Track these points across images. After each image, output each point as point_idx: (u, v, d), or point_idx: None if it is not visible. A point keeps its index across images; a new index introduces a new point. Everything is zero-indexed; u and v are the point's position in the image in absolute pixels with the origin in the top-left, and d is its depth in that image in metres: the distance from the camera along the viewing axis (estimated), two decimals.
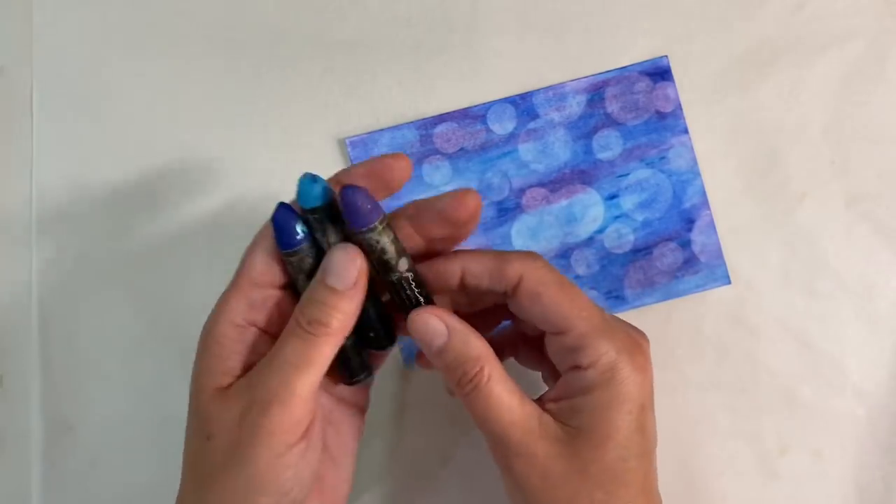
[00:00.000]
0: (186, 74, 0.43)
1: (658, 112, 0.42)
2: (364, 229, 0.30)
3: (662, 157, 0.42)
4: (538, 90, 0.42)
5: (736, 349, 0.41)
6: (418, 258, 0.32)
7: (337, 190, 0.30)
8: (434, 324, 0.31)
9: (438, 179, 0.42)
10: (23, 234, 0.42)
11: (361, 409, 0.35)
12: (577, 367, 0.31)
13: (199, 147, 0.42)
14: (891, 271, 0.41)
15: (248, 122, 0.43)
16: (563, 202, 0.42)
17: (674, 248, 0.42)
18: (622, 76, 0.42)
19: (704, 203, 0.42)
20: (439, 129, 0.42)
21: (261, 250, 0.31)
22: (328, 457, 0.33)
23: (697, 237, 0.42)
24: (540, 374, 0.37)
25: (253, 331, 0.31)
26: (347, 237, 0.31)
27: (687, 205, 0.42)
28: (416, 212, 0.31)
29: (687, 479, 0.40)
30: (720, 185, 0.42)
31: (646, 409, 0.31)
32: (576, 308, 0.31)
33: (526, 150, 0.42)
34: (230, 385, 0.30)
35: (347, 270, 0.30)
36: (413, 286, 0.31)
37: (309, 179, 0.30)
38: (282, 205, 0.31)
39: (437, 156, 0.42)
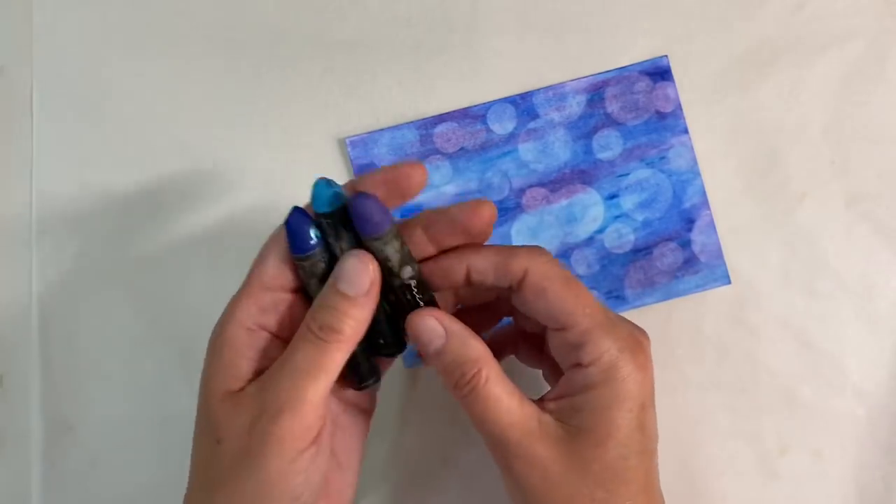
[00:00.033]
0: (186, 74, 0.43)
1: (658, 112, 0.42)
2: (372, 237, 0.30)
3: (662, 157, 0.42)
4: (538, 90, 0.42)
5: (736, 349, 0.41)
6: (427, 261, 0.32)
7: (350, 195, 0.30)
8: (432, 326, 0.31)
9: (438, 179, 0.42)
10: (23, 233, 0.42)
11: (367, 412, 0.34)
12: (579, 365, 0.31)
13: (198, 147, 0.42)
14: (891, 271, 0.41)
15: (248, 122, 0.43)
16: (563, 202, 0.42)
17: (674, 248, 0.42)
18: (622, 76, 0.42)
19: (704, 203, 0.42)
20: (439, 128, 0.42)
21: (273, 254, 0.31)
22: (334, 461, 0.32)
23: (697, 237, 0.42)
24: (541, 373, 0.37)
25: (264, 335, 0.31)
26: (360, 243, 0.31)
27: (687, 205, 0.42)
28: (429, 221, 0.31)
29: (687, 479, 0.40)
30: (720, 185, 0.42)
31: (646, 407, 0.31)
32: (580, 304, 0.31)
33: (526, 149, 0.42)
34: (241, 389, 0.30)
35: (361, 277, 0.30)
36: (415, 292, 0.31)
37: (324, 184, 0.30)
38: (296, 209, 0.31)
39: (438, 156, 0.42)
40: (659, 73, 0.42)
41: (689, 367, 0.41)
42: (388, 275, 0.31)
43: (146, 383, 0.41)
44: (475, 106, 0.42)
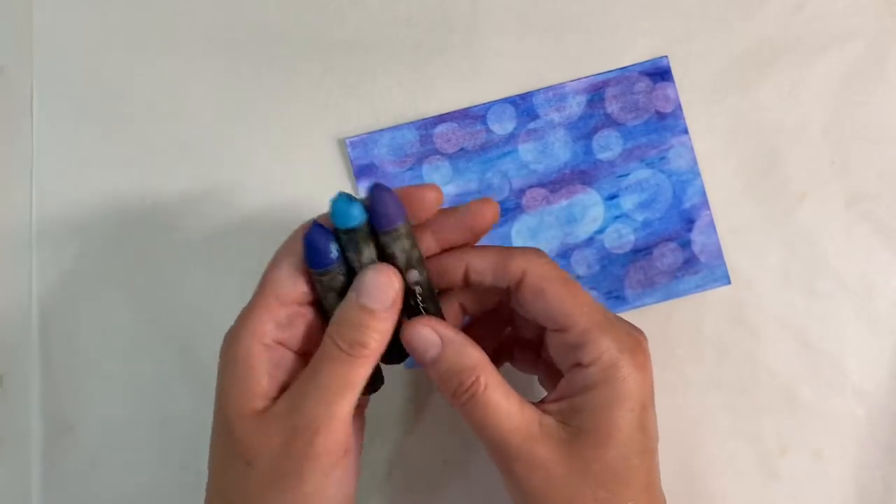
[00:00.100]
0: (186, 74, 0.43)
1: (658, 112, 0.42)
2: (383, 231, 0.30)
3: (662, 158, 0.42)
4: (538, 90, 0.42)
5: (736, 349, 0.41)
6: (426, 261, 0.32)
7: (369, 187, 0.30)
8: (426, 335, 0.31)
9: (438, 179, 0.42)
10: (23, 234, 0.42)
11: (361, 406, 0.35)
12: (579, 365, 0.31)
13: (198, 147, 0.42)
14: (891, 271, 0.41)
15: (248, 122, 0.43)
16: (563, 202, 0.42)
17: (674, 248, 0.42)
18: (622, 76, 0.42)
19: (704, 203, 0.42)
20: (439, 129, 0.42)
21: (286, 266, 0.30)
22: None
23: (697, 237, 0.42)
24: (536, 378, 0.37)
25: (281, 350, 0.31)
26: (380, 256, 0.30)
27: (687, 205, 0.42)
28: (437, 222, 0.32)
29: (687, 479, 0.40)
30: (720, 185, 0.42)
31: (647, 407, 0.31)
32: (578, 305, 0.31)
33: (526, 150, 0.42)
34: (266, 408, 0.30)
35: (384, 292, 0.29)
36: (419, 300, 0.31)
37: (345, 199, 0.29)
38: (316, 224, 0.30)
39: (437, 156, 0.42)
40: (659, 73, 0.42)
41: (689, 367, 0.41)
42: None
43: (146, 383, 0.41)
44: (475, 106, 0.42)
